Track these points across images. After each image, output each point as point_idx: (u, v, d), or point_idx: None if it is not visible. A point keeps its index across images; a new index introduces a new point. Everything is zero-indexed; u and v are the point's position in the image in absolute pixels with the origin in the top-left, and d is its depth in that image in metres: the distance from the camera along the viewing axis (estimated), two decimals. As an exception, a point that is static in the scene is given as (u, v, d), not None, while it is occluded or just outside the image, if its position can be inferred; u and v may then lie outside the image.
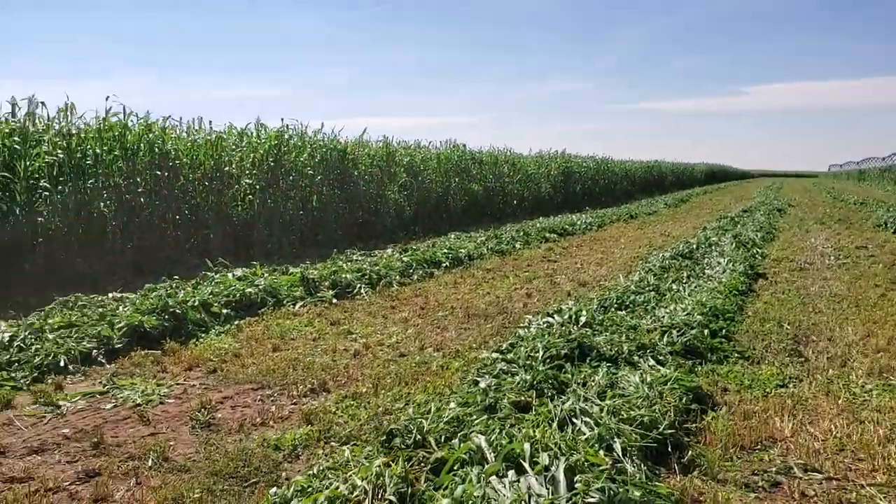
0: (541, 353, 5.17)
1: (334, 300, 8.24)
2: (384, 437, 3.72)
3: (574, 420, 3.89)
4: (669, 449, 3.93)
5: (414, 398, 4.81)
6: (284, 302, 7.89)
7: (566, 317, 6.40)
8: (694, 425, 4.38)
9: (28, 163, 8.75)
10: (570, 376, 4.80)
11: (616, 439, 3.69)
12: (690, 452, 3.97)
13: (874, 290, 9.12)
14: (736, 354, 5.96)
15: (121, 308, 6.83)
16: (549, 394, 4.53)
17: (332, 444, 4.10)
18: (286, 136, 13.52)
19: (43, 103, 9.43)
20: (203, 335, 6.60)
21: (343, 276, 8.98)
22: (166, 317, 6.52)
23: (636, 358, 5.38)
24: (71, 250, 9.17)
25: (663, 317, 6.64)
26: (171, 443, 4.17)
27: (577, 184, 28.74)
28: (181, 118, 11.94)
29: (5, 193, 8.58)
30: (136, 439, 4.21)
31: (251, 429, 4.39)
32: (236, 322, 7.09)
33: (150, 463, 3.85)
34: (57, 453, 4.01)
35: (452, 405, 4.08)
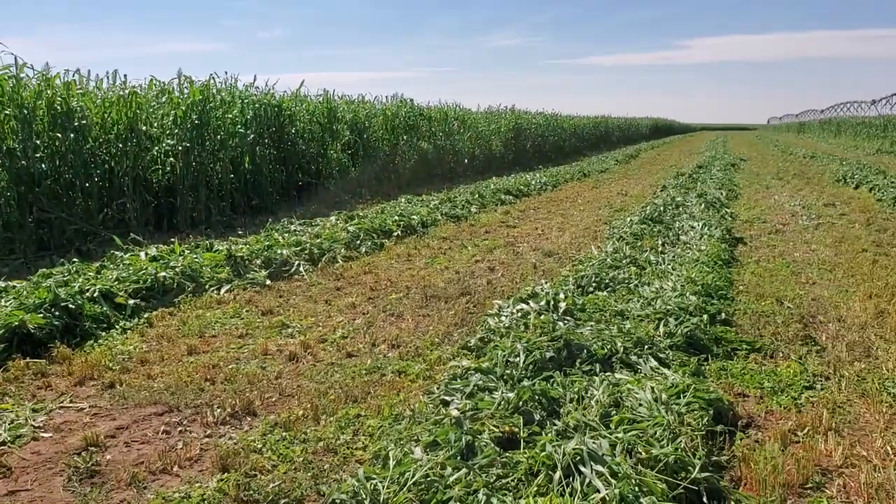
0: (522, 357, 4.15)
1: (268, 282, 7.08)
2: (324, 512, 2.66)
3: (582, 468, 2.89)
4: (705, 500, 2.97)
5: (364, 424, 3.77)
6: (207, 286, 6.70)
7: (543, 302, 5.39)
8: (723, 457, 3.44)
9: None
10: (560, 390, 3.80)
11: (642, 498, 2.71)
12: (733, 504, 3.03)
13: (862, 254, 8.41)
14: (745, 346, 5.06)
15: (2, 301, 5.57)
16: (538, 417, 3.53)
17: (255, 505, 3.03)
18: (213, 91, 12.09)
19: (-87, 53, 7.91)
20: (104, 334, 5.41)
21: (278, 251, 7.81)
22: (57, 313, 5.30)
23: (633, 357, 4.42)
24: (-45, 227, 7.79)
25: (653, 299, 5.69)
26: (33, 510, 3.05)
27: (528, 141, 27.66)
28: (89, 71, 10.46)
29: None
30: (-17, 505, 3.08)
31: (147, 479, 3.28)
32: (147, 315, 5.90)
33: (-8, 551, 2.74)
34: None
35: (417, 452, 3.03)
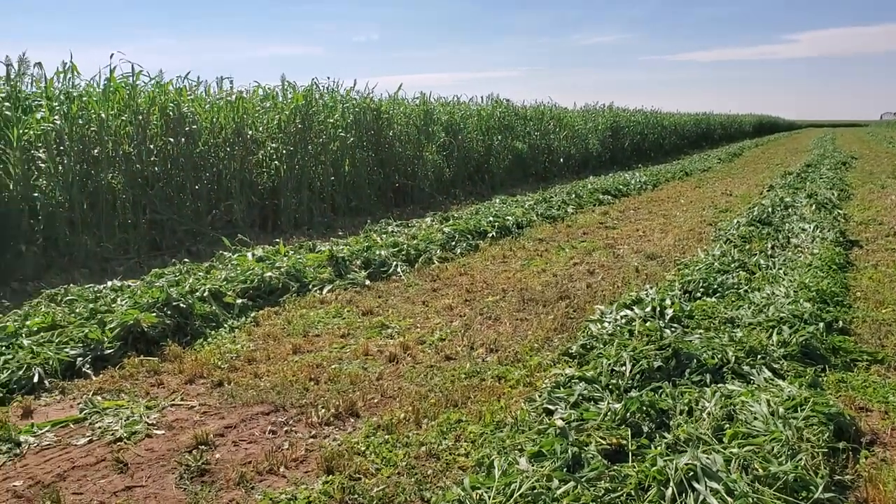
0: (628, 366, 4.03)
1: (367, 282, 7.17)
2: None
3: (695, 484, 2.77)
4: (829, 523, 2.79)
5: (466, 430, 3.74)
6: (310, 286, 6.83)
7: (648, 308, 5.23)
8: (847, 476, 3.23)
9: (22, 131, 7.75)
10: (670, 401, 3.67)
11: (761, 519, 2.57)
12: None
13: None
14: (865, 356, 4.78)
15: (119, 301, 5.84)
16: (647, 429, 3.41)
17: (360, 509, 3.05)
18: (316, 96, 12.38)
19: (39, 64, 8.41)
20: (213, 332, 5.59)
21: (377, 252, 7.89)
22: (168, 312, 5.50)
23: (745, 367, 4.23)
24: (76, 227, 8.23)
25: (764, 306, 5.44)
26: (149, 505, 3.16)
27: (626, 139, 27.11)
28: (198, 77, 10.87)
29: (-3, 166, 7.62)
30: (104, 498, 3.21)
31: (255, 479, 3.35)
32: (253, 314, 6.06)
33: (112, 543, 2.85)
34: (-5, 525, 3.02)
35: (523, 463, 2.98)
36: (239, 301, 6.15)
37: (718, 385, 3.89)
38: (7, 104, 7.83)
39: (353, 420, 4.00)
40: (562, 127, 21.99)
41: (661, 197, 15.16)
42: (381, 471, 3.35)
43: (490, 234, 9.79)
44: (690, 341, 4.50)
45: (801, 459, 3.00)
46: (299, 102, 11.65)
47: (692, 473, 2.80)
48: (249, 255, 7.56)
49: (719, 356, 4.27)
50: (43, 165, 7.99)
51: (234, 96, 10.90)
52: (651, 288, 6.10)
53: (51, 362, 4.66)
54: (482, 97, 19.69)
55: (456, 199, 14.82)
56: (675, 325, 4.97)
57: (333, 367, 4.80)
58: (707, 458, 2.92)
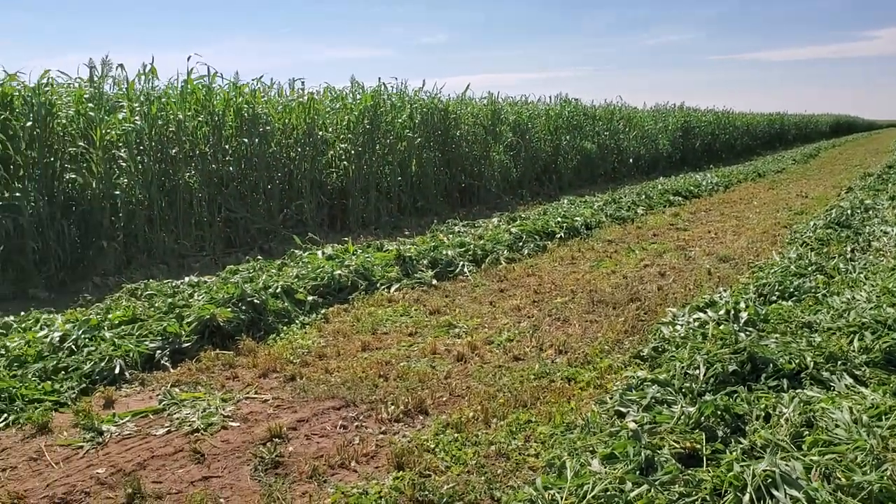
0: (702, 369, 3.95)
1: (434, 281, 7.20)
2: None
3: (774, 491, 2.69)
4: (917, 538, 2.68)
5: (535, 431, 3.72)
6: (378, 285, 6.91)
7: (721, 312, 5.11)
8: (936, 488, 3.09)
9: (105, 131, 8.06)
10: (745, 406, 3.58)
11: (845, 531, 2.49)
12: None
13: None
14: (955, 365, 4.55)
15: (195, 296, 6.01)
16: (721, 433, 3.34)
17: (429, 506, 3.06)
18: (384, 96, 12.50)
19: (121, 66, 8.73)
20: (285, 328, 5.70)
21: (444, 252, 7.92)
22: (243, 307, 5.64)
23: (825, 373, 4.09)
24: (155, 224, 8.50)
25: (844, 311, 5.25)
26: (225, 495, 3.24)
27: (697, 139, 26.54)
28: (272, 79, 11.12)
29: (81, 164, 7.92)
30: (181, 487, 3.31)
31: (327, 473, 3.41)
32: (323, 311, 6.16)
33: (191, 531, 2.93)
34: (80, 509, 3.14)
35: (595, 464, 2.95)
36: (310, 298, 6.26)
37: (796, 391, 3.78)
38: (91, 105, 8.14)
39: (422, 417, 4.03)
40: (631, 127, 21.69)
41: (733, 198, 14.80)
42: (451, 468, 3.36)
43: (558, 235, 9.72)
44: (766, 345, 4.39)
45: (886, 470, 2.89)
46: (368, 103, 11.79)
47: (770, 480, 2.73)
48: (319, 253, 7.70)
49: (797, 361, 4.14)
50: (124, 164, 8.28)
51: (305, 97, 11.10)
52: (724, 291, 5.96)
53: (131, 354, 4.83)
54: (550, 97, 19.60)
55: (523, 200, 14.76)
56: (750, 328, 4.84)
57: (402, 364, 4.84)
58: (786, 464, 2.84)
